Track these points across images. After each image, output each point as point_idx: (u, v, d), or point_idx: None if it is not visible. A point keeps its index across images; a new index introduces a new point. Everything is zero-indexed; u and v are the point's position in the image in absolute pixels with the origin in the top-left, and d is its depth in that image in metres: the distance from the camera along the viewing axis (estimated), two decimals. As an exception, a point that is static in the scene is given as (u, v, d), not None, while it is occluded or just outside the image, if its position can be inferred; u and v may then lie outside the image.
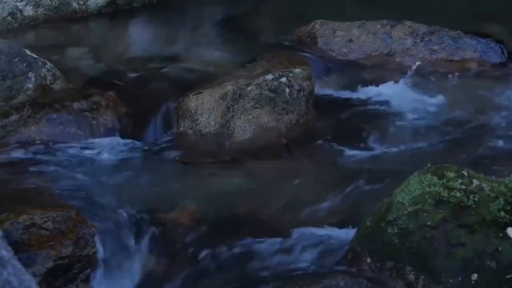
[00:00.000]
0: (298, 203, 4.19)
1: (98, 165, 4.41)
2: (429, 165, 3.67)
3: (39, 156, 4.43)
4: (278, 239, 3.89)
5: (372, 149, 4.71)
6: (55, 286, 3.57)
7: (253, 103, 4.82)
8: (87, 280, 3.65)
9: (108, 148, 4.59)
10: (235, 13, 6.32)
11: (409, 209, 3.51)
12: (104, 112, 4.72)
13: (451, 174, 3.53)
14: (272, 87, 4.88)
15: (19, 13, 5.87)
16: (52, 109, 4.66)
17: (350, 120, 4.98)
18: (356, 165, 4.53)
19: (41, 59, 4.91)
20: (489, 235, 3.34)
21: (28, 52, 4.91)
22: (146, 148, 4.63)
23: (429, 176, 3.57)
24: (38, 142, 4.52)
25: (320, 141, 4.79)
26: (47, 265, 3.55)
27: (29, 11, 5.89)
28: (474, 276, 3.31)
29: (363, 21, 5.66)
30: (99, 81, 5.05)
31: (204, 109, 4.75)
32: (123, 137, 4.69)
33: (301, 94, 4.95)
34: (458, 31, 5.58)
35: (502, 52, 5.51)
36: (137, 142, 4.66)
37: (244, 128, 4.80)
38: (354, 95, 5.23)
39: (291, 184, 4.38)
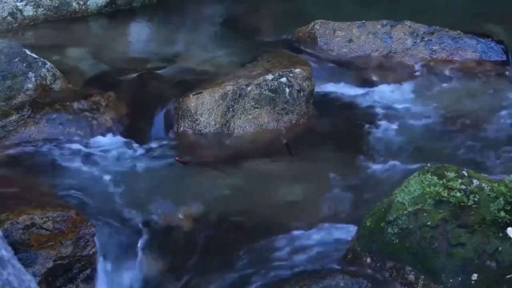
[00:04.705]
0: (298, 203, 4.20)
1: (98, 165, 4.41)
2: (429, 165, 3.68)
3: (39, 156, 4.43)
4: (278, 239, 3.89)
5: (372, 149, 4.71)
6: (55, 286, 3.57)
7: (253, 103, 4.83)
8: (87, 280, 3.65)
9: (108, 148, 4.58)
10: (234, 13, 6.32)
11: (409, 209, 3.51)
12: (104, 112, 4.72)
13: (451, 174, 3.53)
14: (272, 87, 4.89)
15: (19, 13, 5.87)
16: (52, 109, 4.65)
17: (350, 120, 4.98)
18: (356, 165, 4.53)
19: (41, 59, 4.90)
20: (489, 235, 3.34)
21: (28, 52, 4.91)
22: (146, 148, 4.63)
23: (429, 176, 3.57)
24: (38, 142, 4.52)
25: (320, 141, 4.79)
26: (47, 265, 3.55)
27: (29, 11, 5.89)
28: (474, 276, 3.31)
29: (363, 21, 5.66)
30: (99, 81, 5.05)
31: (204, 109, 4.75)
32: (123, 137, 4.69)
33: (301, 94, 4.95)
34: (458, 31, 5.58)
35: (502, 52, 5.51)
36: (137, 142, 4.66)
37: (244, 128, 4.80)
38: (354, 95, 5.22)
39: (291, 184, 4.38)
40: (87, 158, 4.47)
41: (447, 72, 5.38)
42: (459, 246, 3.37)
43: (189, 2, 6.44)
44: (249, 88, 4.84)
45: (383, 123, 4.95)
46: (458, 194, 3.45)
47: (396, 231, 3.51)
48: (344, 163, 4.57)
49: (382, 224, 3.56)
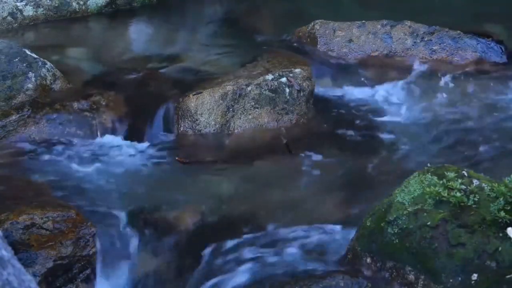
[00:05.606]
0: (298, 203, 4.19)
1: (98, 165, 4.41)
2: (429, 165, 3.68)
3: (39, 156, 4.43)
4: (278, 239, 3.89)
5: (372, 149, 4.71)
6: (55, 286, 3.57)
7: (253, 103, 4.83)
8: (87, 280, 3.65)
9: (108, 148, 4.58)
10: (235, 13, 6.32)
11: (409, 209, 3.51)
12: (104, 112, 4.72)
13: (451, 174, 3.53)
14: (272, 87, 4.89)
15: (19, 13, 5.87)
16: (52, 109, 4.66)
17: (350, 120, 4.98)
18: (356, 165, 4.53)
19: (41, 59, 4.91)
20: (489, 235, 3.34)
21: (28, 52, 4.92)
22: (146, 148, 4.63)
23: (429, 176, 3.57)
24: (38, 142, 4.52)
25: (320, 141, 4.79)
26: (47, 265, 3.55)
27: (29, 11, 5.89)
28: (474, 276, 3.31)
29: (363, 21, 5.66)
30: (99, 81, 5.05)
31: (204, 109, 4.75)
32: (123, 137, 4.69)
33: (301, 94, 4.95)
34: (458, 31, 5.58)
35: (502, 52, 5.51)
36: (137, 142, 4.66)
37: (244, 128, 4.80)
38: (354, 95, 5.23)
39: (291, 184, 4.38)
40: (87, 158, 4.47)
41: (447, 72, 5.38)
42: (459, 246, 3.36)
43: (189, 2, 6.44)
44: (249, 88, 4.84)
45: (383, 123, 4.95)
46: (458, 194, 3.45)
47: (396, 231, 3.51)
48: (344, 163, 4.57)
49: (382, 224, 3.56)
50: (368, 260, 3.59)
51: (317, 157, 4.62)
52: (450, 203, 3.46)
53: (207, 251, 3.85)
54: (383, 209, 3.60)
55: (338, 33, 5.59)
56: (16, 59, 4.82)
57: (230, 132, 4.78)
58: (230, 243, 3.89)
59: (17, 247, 3.49)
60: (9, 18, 5.85)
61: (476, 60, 5.46)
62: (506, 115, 5.00)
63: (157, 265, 3.81)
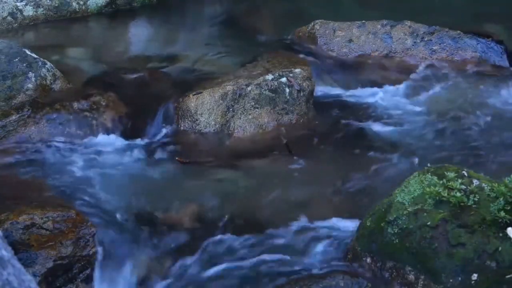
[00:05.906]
0: (298, 203, 4.19)
1: (98, 165, 4.41)
2: (429, 165, 3.68)
3: (39, 156, 4.43)
4: (278, 239, 3.89)
5: (371, 149, 4.71)
6: (55, 286, 3.57)
7: (253, 103, 4.83)
8: (87, 280, 3.65)
9: (108, 148, 4.58)
10: (235, 13, 6.32)
11: (409, 209, 3.51)
12: (104, 112, 4.72)
13: (451, 174, 3.53)
14: (272, 87, 4.89)
15: (19, 13, 5.87)
16: (52, 109, 4.65)
17: (350, 120, 4.98)
18: (355, 165, 4.53)
19: (41, 59, 4.91)
20: (489, 235, 3.34)
21: (28, 52, 4.92)
22: (146, 148, 4.63)
23: (429, 176, 3.57)
24: (38, 142, 4.52)
25: (320, 141, 4.79)
26: (47, 265, 3.55)
27: (29, 11, 5.89)
28: (474, 276, 3.31)
29: (363, 21, 5.66)
30: (99, 81, 5.05)
31: (204, 109, 4.75)
32: (123, 137, 4.69)
33: (301, 94, 4.95)
34: (458, 31, 5.58)
35: (502, 52, 5.51)
36: (137, 142, 4.66)
37: (244, 128, 4.80)
38: (354, 95, 5.23)
39: (291, 184, 4.38)
40: (87, 158, 4.46)
41: (447, 72, 5.38)
42: (459, 246, 3.37)
43: (189, 2, 6.44)
44: (249, 88, 4.84)
45: (383, 123, 4.95)
46: (458, 194, 3.45)
47: (396, 231, 3.51)
48: (343, 163, 4.57)
49: (382, 224, 3.56)
50: (368, 260, 3.59)
51: (317, 157, 4.63)
52: (450, 203, 3.46)
53: (206, 250, 3.85)
54: (383, 209, 3.60)
55: (338, 33, 5.59)
56: (16, 59, 4.82)
57: (230, 132, 4.78)
58: (230, 243, 3.89)
59: (17, 247, 3.49)
60: (9, 18, 5.85)
61: (476, 60, 5.47)
62: (506, 115, 5.00)
63: (157, 265, 3.81)
